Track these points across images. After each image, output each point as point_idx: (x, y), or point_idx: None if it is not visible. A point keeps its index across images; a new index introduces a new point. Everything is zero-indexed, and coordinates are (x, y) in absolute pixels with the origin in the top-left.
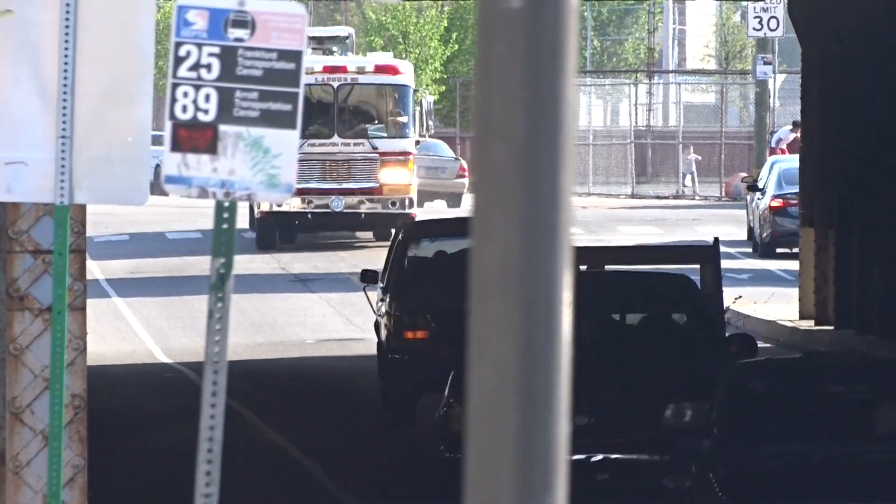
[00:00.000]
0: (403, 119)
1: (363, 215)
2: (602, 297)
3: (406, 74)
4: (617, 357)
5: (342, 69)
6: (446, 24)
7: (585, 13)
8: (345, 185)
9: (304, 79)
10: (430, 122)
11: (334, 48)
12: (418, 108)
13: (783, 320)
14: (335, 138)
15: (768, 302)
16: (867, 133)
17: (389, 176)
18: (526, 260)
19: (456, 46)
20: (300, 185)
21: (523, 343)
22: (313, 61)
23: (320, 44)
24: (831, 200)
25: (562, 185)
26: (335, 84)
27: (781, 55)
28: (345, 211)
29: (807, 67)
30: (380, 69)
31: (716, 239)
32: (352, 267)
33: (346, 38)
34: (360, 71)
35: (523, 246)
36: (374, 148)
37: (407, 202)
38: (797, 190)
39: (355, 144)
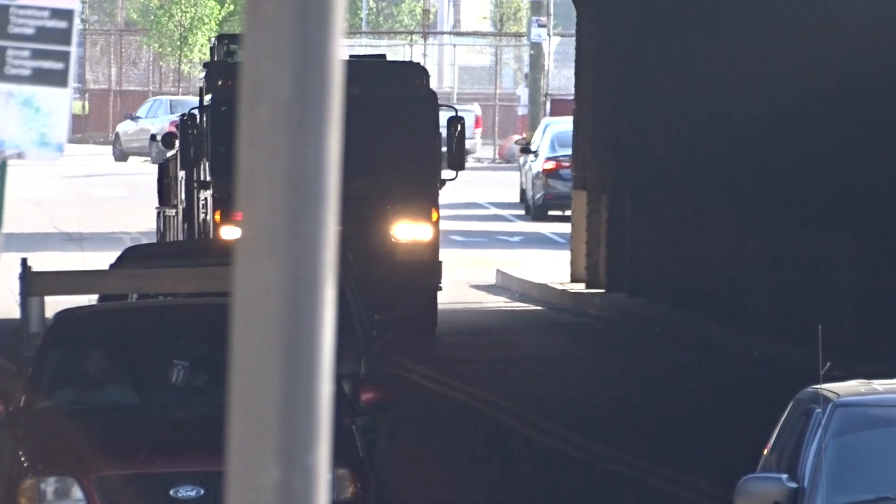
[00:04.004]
0: None
1: None
2: (192, 339)
3: None
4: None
5: None
6: None
7: None
8: None
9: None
10: None
11: None
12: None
13: (554, 283)
14: None
15: (541, 264)
16: (639, 96)
17: None
18: (292, 221)
19: (231, 7)
20: None
21: (288, 305)
22: None
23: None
24: (604, 164)
25: (329, 146)
26: None
27: (556, 18)
28: None
29: (581, 30)
30: None
31: None
32: (125, 226)
33: None
34: None
35: (289, 207)
36: None
37: None
38: (570, 153)
39: None
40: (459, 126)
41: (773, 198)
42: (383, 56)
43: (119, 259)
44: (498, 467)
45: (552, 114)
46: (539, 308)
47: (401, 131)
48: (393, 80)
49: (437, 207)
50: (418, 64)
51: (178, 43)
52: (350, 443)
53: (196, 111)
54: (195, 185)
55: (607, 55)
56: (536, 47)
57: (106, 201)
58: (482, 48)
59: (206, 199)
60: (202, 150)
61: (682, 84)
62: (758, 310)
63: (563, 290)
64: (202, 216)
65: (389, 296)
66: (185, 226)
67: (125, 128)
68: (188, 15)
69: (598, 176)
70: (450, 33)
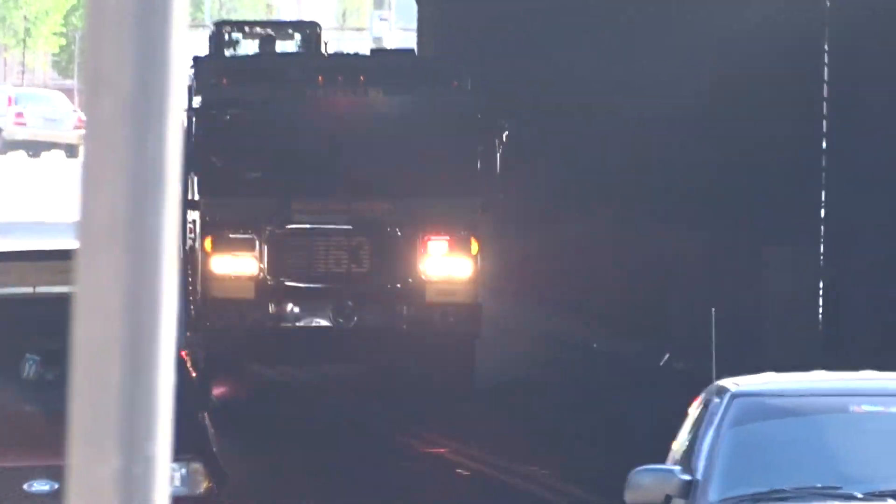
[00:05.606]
0: None
1: None
2: (43, 333)
3: None
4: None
5: None
6: None
7: None
8: None
9: None
10: None
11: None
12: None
13: None
14: None
15: None
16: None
17: None
18: (134, 212)
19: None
20: None
21: (129, 296)
22: None
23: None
24: None
25: (169, 137)
26: None
27: (398, 12)
28: None
29: (422, 25)
30: None
31: None
32: None
33: None
34: None
35: (131, 198)
36: None
37: None
38: None
39: None
40: (504, 137)
41: (618, 197)
42: (411, 51)
43: None
44: (344, 461)
45: None
46: None
47: (434, 144)
48: (424, 81)
49: (477, 237)
50: (455, 61)
51: (23, 36)
52: (203, 437)
53: (183, 115)
54: (180, 202)
55: (448, 50)
56: (378, 42)
57: None
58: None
59: (193, 221)
60: (190, 163)
61: (520, 78)
62: (600, 305)
63: None
64: (189, 242)
65: (416, 344)
66: None
67: None
68: (32, 7)
69: None
70: None
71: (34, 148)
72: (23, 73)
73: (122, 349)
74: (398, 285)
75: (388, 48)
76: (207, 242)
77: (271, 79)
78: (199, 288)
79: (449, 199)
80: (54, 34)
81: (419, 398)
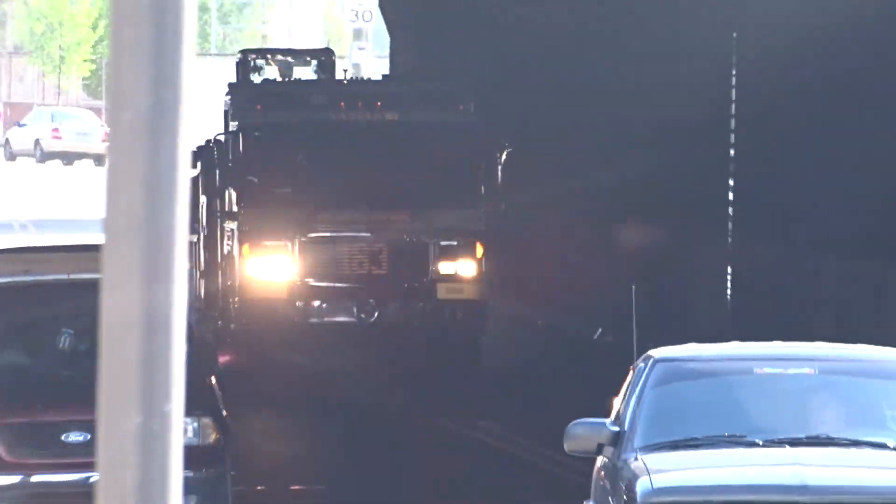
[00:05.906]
0: None
1: None
2: (77, 310)
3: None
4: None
5: None
6: (98, 14)
7: (210, 4)
8: None
9: None
10: None
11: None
12: None
13: None
14: None
15: None
16: None
17: None
18: (150, 210)
19: (104, 31)
20: None
21: (146, 281)
22: None
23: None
24: None
25: (180, 149)
26: None
27: (375, 42)
28: None
29: (394, 54)
30: None
31: None
32: (16, 216)
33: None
34: None
35: (148, 199)
36: None
37: None
38: None
39: None
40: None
41: (565, 196)
42: (421, 76)
43: None
44: (334, 418)
45: None
46: None
47: (443, 161)
48: (433, 106)
49: (482, 242)
50: (462, 86)
51: (58, 63)
52: (211, 397)
53: (222, 137)
54: (219, 214)
55: (417, 73)
56: (357, 67)
57: None
58: (343, 70)
59: (231, 230)
60: (228, 179)
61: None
62: (545, 287)
63: None
64: (227, 248)
65: (429, 336)
66: (207, 255)
67: (14, 134)
68: (67, 39)
69: None
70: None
71: (68, 158)
72: (58, 94)
73: (141, 324)
74: (413, 285)
75: (399, 74)
76: (245, 249)
77: (299, 104)
78: (236, 288)
79: (457, 209)
80: (85, 61)
81: (428, 381)
